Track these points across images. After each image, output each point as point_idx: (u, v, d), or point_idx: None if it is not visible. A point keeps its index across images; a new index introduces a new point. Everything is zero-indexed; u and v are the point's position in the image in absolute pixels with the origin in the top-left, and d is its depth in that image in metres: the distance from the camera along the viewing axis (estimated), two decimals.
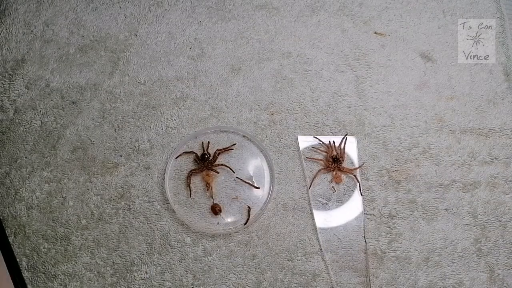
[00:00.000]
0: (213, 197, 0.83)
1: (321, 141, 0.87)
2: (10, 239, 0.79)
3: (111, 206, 0.82)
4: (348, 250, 0.80)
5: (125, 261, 0.79)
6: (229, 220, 0.81)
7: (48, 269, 0.78)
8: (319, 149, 0.87)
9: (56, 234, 0.80)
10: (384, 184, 0.85)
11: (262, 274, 0.78)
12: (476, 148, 0.88)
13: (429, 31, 0.99)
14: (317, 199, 0.83)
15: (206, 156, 0.84)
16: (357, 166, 0.86)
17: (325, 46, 0.97)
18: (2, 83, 0.91)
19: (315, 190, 0.84)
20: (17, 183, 0.83)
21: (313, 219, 0.82)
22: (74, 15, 0.99)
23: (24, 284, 0.76)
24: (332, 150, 0.86)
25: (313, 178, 0.84)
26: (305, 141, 0.88)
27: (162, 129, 0.88)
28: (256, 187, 0.84)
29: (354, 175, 0.85)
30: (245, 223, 0.81)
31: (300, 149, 0.87)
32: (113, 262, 0.78)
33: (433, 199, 0.84)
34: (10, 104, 0.90)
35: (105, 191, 0.83)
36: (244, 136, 0.88)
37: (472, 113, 0.91)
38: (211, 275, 0.78)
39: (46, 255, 0.79)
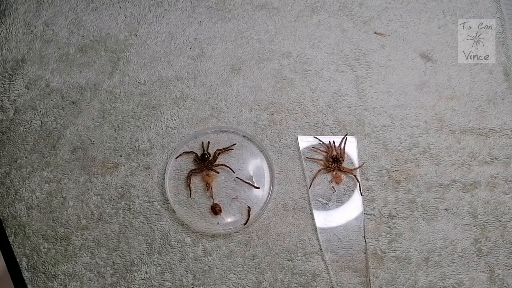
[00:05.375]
0: (213, 197, 0.83)
1: (321, 141, 0.87)
2: (10, 239, 0.79)
3: (111, 206, 0.82)
4: (348, 250, 0.80)
5: (125, 261, 0.79)
6: (229, 220, 0.81)
7: (48, 269, 0.78)
8: (319, 149, 0.87)
9: (56, 234, 0.80)
10: (384, 184, 0.85)
11: (262, 274, 0.78)
12: (476, 148, 0.88)
13: (429, 31, 0.99)
14: (317, 199, 0.83)
15: (206, 156, 0.84)
16: (357, 166, 0.86)
17: (325, 46, 0.97)
18: (2, 83, 0.91)
19: (315, 190, 0.84)
20: (17, 183, 0.83)
21: (313, 219, 0.82)
22: (74, 15, 0.99)
23: (24, 284, 0.76)
24: (332, 150, 0.86)
25: (313, 178, 0.84)
26: (305, 141, 0.88)
27: (162, 129, 0.88)
28: (256, 187, 0.84)
29: (354, 175, 0.85)
30: (245, 223, 0.81)
31: (300, 149, 0.87)
32: (113, 262, 0.78)
33: (433, 199, 0.84)
34: (10, 104, 0.90)
35: (105, 191, 0.83)
36: (244, 136, 0.88)
37: (472, 113, 0.91)
38: (211, 275, 0.78)
39: (46, 255, 0.79)
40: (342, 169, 0.85)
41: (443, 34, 0.99)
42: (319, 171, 0.85)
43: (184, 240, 0.80)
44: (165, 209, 0.82)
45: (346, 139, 0.87)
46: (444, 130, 0.90)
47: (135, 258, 0.79)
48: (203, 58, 0.95)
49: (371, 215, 0.83)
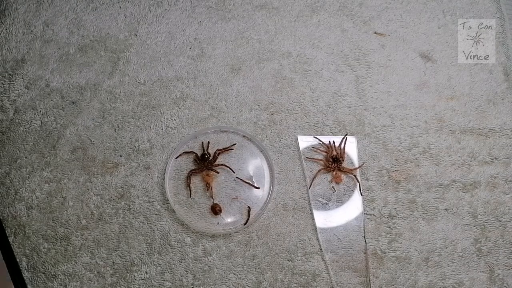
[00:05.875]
0: (213, 197, 0.83)
1: (321, 141, 0.87)
2: (10, 239, 0.79)
3: (111, 206, 0.82)
4: (348, 250, 0.80)
5: (125, 261, 0.79)
6: (229, 220, 0.81)
7: (48, 269, 0.78)
8: (319, 149, 0.87)
9: (56, 234, 0.80)
10: (384, 184, 0.85)
11: (262, 274, 0.78)
12: (476, 148, 0.88)
13: (429, 31, 0.99)
14: (317, 199, 0.83)
15: (206, 156, 0.84)
16: (357, 166, 0.86)
17: (325, 46, 0.97)
18: (2, 83, 0.91)
19: (315, 190, 0.84)
20: (17, 183, 0.83)
21: (313, 219, 0.82)
22: (74, 15, 0.99)
23: (24, 284, 0.76)
24: (332, 150, 0.86)
25: (313, 178, 0.84)
26: (305, 141, 0.88)
27: (162, 129, 0.88)
28: (256, 187, 0.84)
29: (354, 175, 0.85)
30: (245, 223, 0.81)
31: (300, 149, 0.87)
32: (113, 262, 0.78)
33: (433, 199, 0.84)
34: (10, 104, 0.90)
35: (105, 191, 0.83)
36: (244, 136, 0.88)
37: (472, 113, 0.91)
38: (211, 275, 0.78)
39: (46, 255, 0.79)
40: (342, 169, 0.85)
41: (443, 34, 0.99)
42: (319, 171, 0.85)
43: (184, 240, 0.80)
44: (165, 209, 0.82)
45: (346, 139, 0.87)
46: (444, 130, 0.90)
47: (135, 258, 0.79)
48: (203, 58, 0.95)
49: (371, 215, 0.83)
